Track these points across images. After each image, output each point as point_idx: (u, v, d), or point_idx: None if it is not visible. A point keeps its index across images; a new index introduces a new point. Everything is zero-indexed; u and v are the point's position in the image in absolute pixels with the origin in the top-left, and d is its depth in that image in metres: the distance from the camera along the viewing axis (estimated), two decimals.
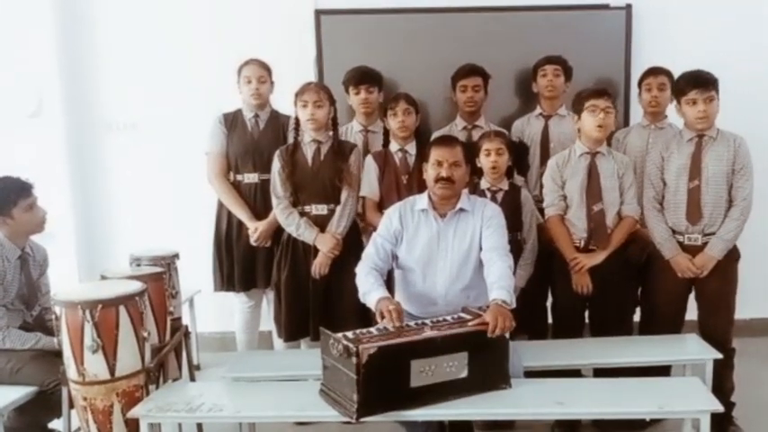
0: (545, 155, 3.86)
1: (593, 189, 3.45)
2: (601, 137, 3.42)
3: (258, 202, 3.87)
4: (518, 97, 4.50)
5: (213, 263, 4.01)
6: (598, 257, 3.43)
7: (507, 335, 2.63)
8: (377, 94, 3.97)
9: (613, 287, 3.46)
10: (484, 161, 3.49)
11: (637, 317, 3.65)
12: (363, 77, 3.94)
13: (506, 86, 4.44)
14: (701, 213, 3.32)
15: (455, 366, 2.55)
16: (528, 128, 4.09)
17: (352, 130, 4.01)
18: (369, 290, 2.97)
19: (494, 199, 3.45)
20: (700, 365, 3.09)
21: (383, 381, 2.45)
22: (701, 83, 3.25)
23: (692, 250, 3.36)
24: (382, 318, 2.77)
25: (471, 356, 2.57)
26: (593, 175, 3.45)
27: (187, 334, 3.44)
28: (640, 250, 3.60)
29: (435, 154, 3.08)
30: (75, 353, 2.63)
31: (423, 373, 2.50)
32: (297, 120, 3.62)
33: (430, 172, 3.09)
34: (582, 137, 3.47)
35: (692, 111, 3.28)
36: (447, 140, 3.21)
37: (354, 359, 2.38)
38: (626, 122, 4.40)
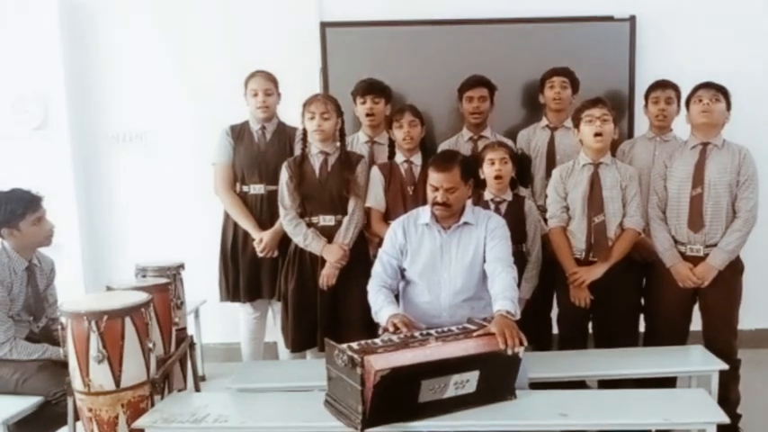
0: (551, 166, 3.84)
1: (594, 200, 3.44)
2: (601, 146, 3.41)
3: (264, 213, 3.89)
4: (523, 108, 4.51)
5: (219, 273, 4.02)
6: (598, 271, 3.42)
7: (521, 353, 2.62)
8: (383, 105, 3.96)
9: (616, 298, 3.45)
10: (488, 171, 3.49)
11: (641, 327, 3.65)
12: (370, 88, 3.94)
13: (511, 97, 4.45)
14: (702, 222, 3.31)
15: (464, 383, 2.55)
16: (534, 138, 4.08)
17: (358, 141, 4.02)
18: (380, 307, 2.98)
19: (497, 210, 3.46)
20: (705, 377, 3.08)
21: (392, 397, 2.44)
22: (709, 84, 3.29)
23: (694, 261, 3.36)
24: (396, 330, 2.78)
25: (482, 373, 2.56)
26: (595, 185, 3.45)
27: (192, 345, 3.46)
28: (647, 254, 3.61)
29: (431, 178, 3.07)
30: (80, 363, 2.64)
31: (432, 390, 2.49)
32: (304, 131, 3.64)
33: (428, 193, 3.10)
34: (584, 148, 3.48)
35: (696, 107, 3.30)
36: (443, 164, 3.07)
37: (359, 370, 2.37)
38: (630, 134, 4.41)
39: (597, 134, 3.37)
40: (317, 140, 3.60)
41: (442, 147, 3.91)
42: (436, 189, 3.04)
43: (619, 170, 3.48)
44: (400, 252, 3.12)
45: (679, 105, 3.80)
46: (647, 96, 3.91)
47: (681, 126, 3.66)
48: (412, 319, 2.87)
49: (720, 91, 3.30)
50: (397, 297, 3.13)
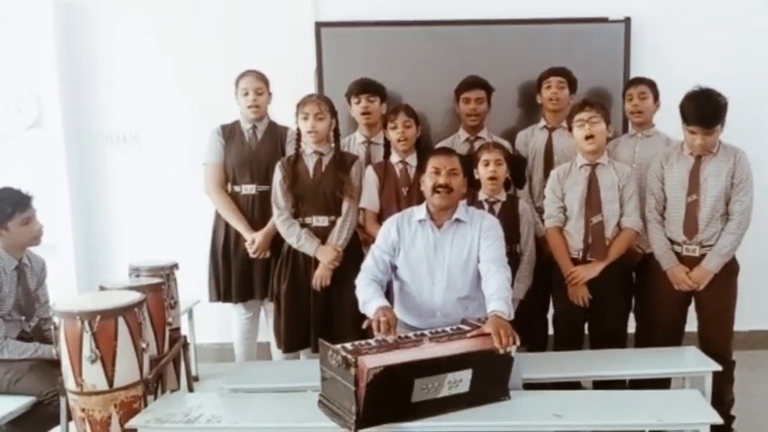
0: (548, 167, 3.84)
1: (592, 201, 3.44)
2: (594, 147, 3.42)
3: (256, 213, 3.87)
4: (519, 109, 4.50)
5: (209, 274, 4.00)
6: (595, 269, 3.43)
7: (513, 353, 2.61)
8: (378, 104, 3.95)
9: (612, 298, 3.46)
10: (482, 171, 3.49)
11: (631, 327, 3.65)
12: (364, 87, 3.94)
13: (507, 98, 4.44)
14: (697, 228, 3.32)
15: (458, 383, 2.54)
16: (532, 139, 4.08)
17: (354, 142, 4.01)
18: (368, 299, 2.98)
19: (491, 210, 3.46)
20: (699, 378, 3.09)
21: (385, 397, 2.43)
22: (704, 122, 3.20)
23: (690, 261, 3.36)
24: (378, 328, 2.78)
25: (475, 373, 2.56)
26: (592, 186, 3.45)
27: (186, 345, 3.44)
28: (630, 257, 3.60)
29: (433, 162, 3.10)
30: (73, 363, 2.63)
31: (425, 389, 2.49)
32: (298, 131, 3.63)
33: (427, 181, 3.10)
34: (579, 150, 3.49)
35: (691, 138, 3.28)
36: (444, 150, 3.24)
37: (353, 370, 2.37)
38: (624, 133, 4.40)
39: (588, 137, 3.39)
40: (310, 141, 3.59)
41: (437, 147, 3.90)
42: (437, 173, 3.06)
43: (616, 170, 3.49)
44: (392, 249, 3.12)
45: (656, 100, 3.83)
46: (623, 95, 3.95)
47: (669, 122, 3.64)
48: (396, 318, 2.87)
49: (716, 122, 3.21)
50: (388, 294, 3.12)
